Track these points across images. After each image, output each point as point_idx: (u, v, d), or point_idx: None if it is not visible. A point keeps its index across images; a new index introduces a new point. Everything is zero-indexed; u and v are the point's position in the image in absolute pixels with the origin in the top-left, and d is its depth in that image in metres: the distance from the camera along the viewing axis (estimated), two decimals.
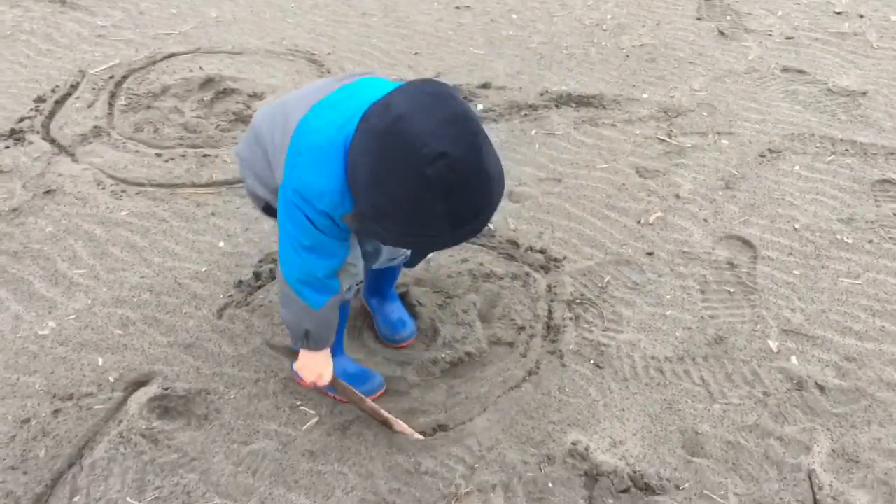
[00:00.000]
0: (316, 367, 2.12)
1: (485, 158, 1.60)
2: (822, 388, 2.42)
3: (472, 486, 2.13)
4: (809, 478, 2.15)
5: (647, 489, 2.12)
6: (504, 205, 3.18)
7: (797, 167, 3.45)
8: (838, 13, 4.91)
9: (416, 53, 4.45)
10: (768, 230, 3.07)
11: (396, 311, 2.58)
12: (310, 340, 2.05)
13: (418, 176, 1.53)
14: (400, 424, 2.24)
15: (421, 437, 2.25)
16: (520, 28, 4.79)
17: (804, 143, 3.62)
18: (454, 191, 1.56)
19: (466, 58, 4.41)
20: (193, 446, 2.22)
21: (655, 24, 4.81)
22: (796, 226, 3.10)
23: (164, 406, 2.34)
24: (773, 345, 2.57)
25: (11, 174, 3.33)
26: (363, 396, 2.24)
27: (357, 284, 2.13)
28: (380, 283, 2.56)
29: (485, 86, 4.07)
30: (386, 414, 2.24)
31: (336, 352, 2.34)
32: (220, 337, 2.58)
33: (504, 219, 3.12)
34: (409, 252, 2.33)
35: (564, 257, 2.93)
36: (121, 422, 2.29)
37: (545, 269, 2.87)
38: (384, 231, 1.66)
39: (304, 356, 2.11)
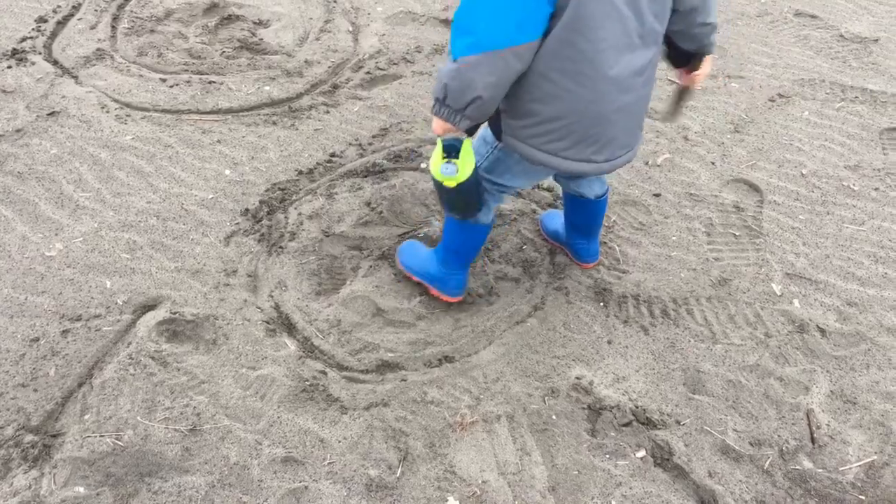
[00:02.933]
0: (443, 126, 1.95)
1: None
2: (823, 331, 2.45)
3: (477, 416, 2.16)
4: (807, 417, 2.20)
5: (649, 423, 2.16)
6: None
7: (806, 113, 3.44)
8: None
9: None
10: (775, 175, 3.07)
11: (595, 242, 2.64)
12: (449, 91, 1.84)
13: None
14: None
15: None
16: None
17: (814, 89, 3.59)
18: None
19: None
20: (202, 370, 2.25)
21: None
22: (803, 171, 3.10)
23: (173, 330, 2.35)
24: (776, 288, 2.59)
25: (14, 94, 3.28)
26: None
27: (489, 220, 2.26)
28: (594, 218, 2.52)
29: None
30: None
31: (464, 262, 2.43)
32: (226, 264, 2.58)
33: None
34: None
35: None
36: (130, 343, 2.30)
37: (552, 207, 2.87)
38: None
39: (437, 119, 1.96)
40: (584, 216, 2.49)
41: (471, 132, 2.00)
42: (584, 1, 1.72)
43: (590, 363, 2.33)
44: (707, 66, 2.17)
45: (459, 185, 2.00)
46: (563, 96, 1.85)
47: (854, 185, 3.04)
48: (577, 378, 2.28)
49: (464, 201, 2.09)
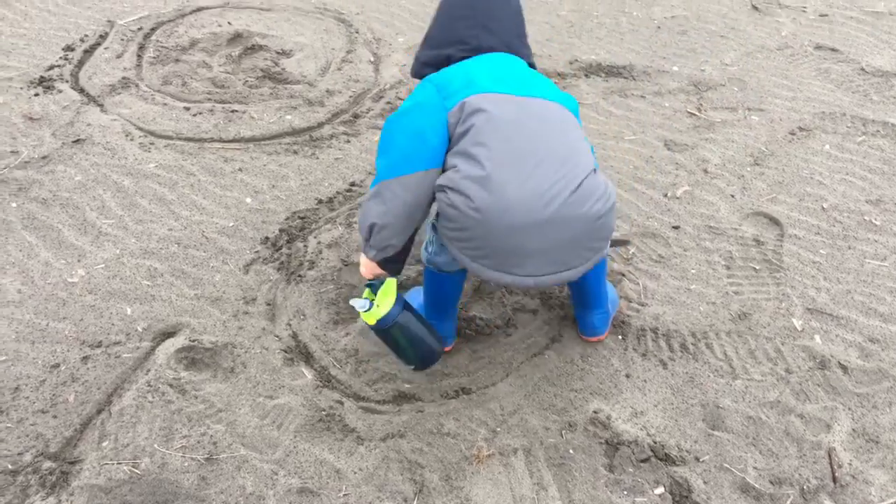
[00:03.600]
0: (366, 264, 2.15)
1: None
2: (844, 368, 2.42)
3: (493, 448, 2.15)
4: (829, 455, 2.17)
5: (667, 459, 2.14)
6: None
7: (827, 146, 3.43)
8: None
9: None
10: (796, 208, 3.06)
11: (602, 315, 2.48)
12: (372, 237, 2.02)
13: None
14: None
15: None
16: None
17: (835, 123, 3.58)
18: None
19: None
20: (220, 398, 2.25)
21: None
22: (824, 205, 3.08)
23: (192, 357, 2.37)
24: (797, 323, 2.57)
25: (41, 122, 3.34)
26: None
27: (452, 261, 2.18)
28: (592, 286, 2.40)
29: None
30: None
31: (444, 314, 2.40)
32: (245, 292, 2.60)
33: None
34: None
35: None
36: (149, 371, 2.32)
37: None
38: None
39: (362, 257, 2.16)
40: (574, 286, 2.39)
41: (396, 271, 2.12)
42: (478, 126, 1.90)
43: (608, 397, 2.31)
44: None
45: (388, 328, 2.08)
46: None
47: (876, 219, 3.02)
48: (595, 412, 2.26)
49: (410, 348, 2.14)
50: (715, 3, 4.67)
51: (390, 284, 2.10)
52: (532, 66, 2.17)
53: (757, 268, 2.79)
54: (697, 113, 3.62)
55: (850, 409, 2.30)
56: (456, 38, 2.10)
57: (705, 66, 4.00)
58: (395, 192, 1.94)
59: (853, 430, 2.25)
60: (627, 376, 2.38)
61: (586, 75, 3.88)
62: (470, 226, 1.88)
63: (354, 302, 2.08)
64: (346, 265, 2.71)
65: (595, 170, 1.96)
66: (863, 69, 4.01)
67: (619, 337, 2.50)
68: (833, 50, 4.18)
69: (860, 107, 3.70)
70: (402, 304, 2.11)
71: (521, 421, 2.23)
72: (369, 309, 2.06)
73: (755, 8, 4.61)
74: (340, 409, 2.24)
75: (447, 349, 2.44)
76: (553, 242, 1.89)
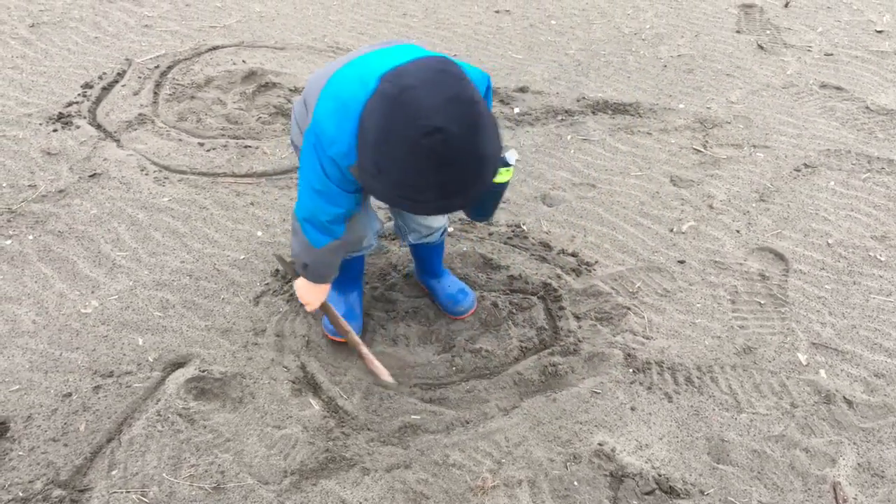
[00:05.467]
0: (307, 294, 2.29)
1: (481, 139, 1.68)
2: (850, 403, 2.43)
3: (498, 480, 2.16)
4: (834, 490, 2.17)
5: (672, 493, 2.15)
6: (537, 207, 3.22)
7: (832, 183, 3.46)
8: (879, 32, 4.89)
9: (454, 55, 4.50)
10: (801, 244, 3.08)
11: (453, 284, 2.72)
12: (307, 273, 2.21)
13: (413, 145, 1.63)
14: (376, 365, 2.38)
15: (392, 381, 2.39)
16: (558, 34, 4.82)
17: (840, 160, 3.62)
18: (445, 164, 1.65)
19: (505, 61, 4.45)
20: (228, 427, 2.28)
21: (694, 35, 4.83)
22: (829, 241, 3.10)
23: (201, 388, 2.40)
24: (802, 357, 2.58)
25: (59, 157, 3.42)
26: (349, 329, 2.39)
27: (370, 246, 2.44)
28: (428, 262, 2.69)
29: (522, 90, 4.11)
30: (366, 351, 2.39)
31: (345, 289, 2.61)
32: (255, 324, 2.64)
33: (537, 221, 3.16)
34: (441, 230, 2.52)
35: (596, 262, 2.96)
36: (159, 400, 2.35)
37: (577, 272, 2.90)
38: (380, 187, 1.77)
39: (302, 282, 2.28)
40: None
41: None
42: None
43: (613, 429, 2.33)
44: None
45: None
46: None
47: (881, 255, 3.04)
48: (600, 444, 2.27)
49: None
50: (721, 42, 4.74)
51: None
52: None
53: (762, 302, 2.80)
54: (703, 149, 3.67)
55: (855, 443, 2.31)
56: None
57: (711, 104, 4.05)
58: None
59: (858, 464, 2.25)
60: (633, 409, 2.39)
61: (594, 112, 3.94)
62: None
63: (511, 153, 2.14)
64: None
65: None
66: (867, 107, 4.05)
67: (625, 369, 2.51)
68: (838, 88, 4.23)
69: (865, 144, 3.74)
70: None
71: (526, 452, 2.25)
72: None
73: (761, 47, 4.67)
74: (347, 439, 2.26)
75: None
76: None
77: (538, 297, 2.78)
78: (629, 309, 2.75)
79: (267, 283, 2.80)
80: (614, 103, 4.03)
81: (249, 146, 3.56)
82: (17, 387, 2.39)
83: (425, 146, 1.62)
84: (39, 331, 2.58)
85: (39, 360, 2.48)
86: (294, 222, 2.13)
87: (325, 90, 1.94)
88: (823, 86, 4.26)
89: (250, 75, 4.12)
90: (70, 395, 2.37)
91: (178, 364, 2.48)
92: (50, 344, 2.54)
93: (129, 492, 2.09)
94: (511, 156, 1.97)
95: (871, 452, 2.28)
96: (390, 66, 1.76)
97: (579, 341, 2.61)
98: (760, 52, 4.63)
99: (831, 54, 4.60)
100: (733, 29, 4.92)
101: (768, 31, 4.89)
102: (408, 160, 1.66)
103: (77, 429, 2.26)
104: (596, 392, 2.44)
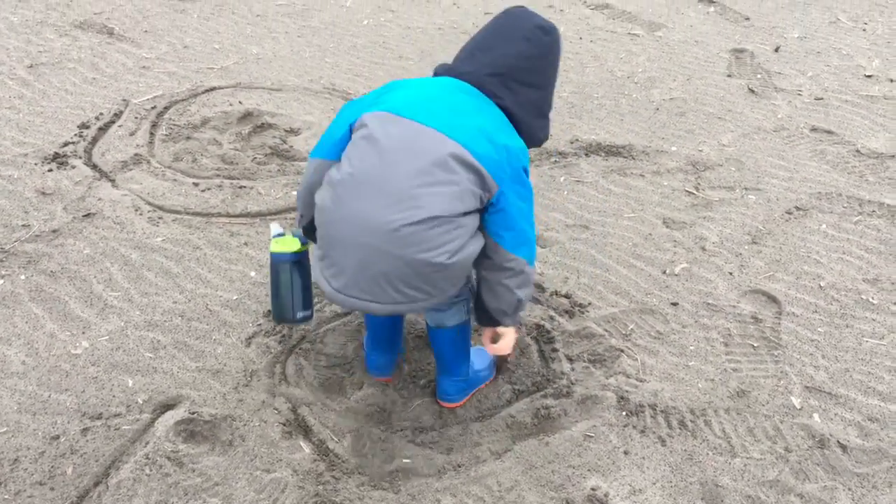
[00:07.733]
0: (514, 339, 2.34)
1: None
2: (844, 447, 2.41)
3: None
4: None
5: None
6: None
7: (824, 226, 3.48)
8: (868, 76, 4.96)
9: None
10: (793, 286, 3.09)
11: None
12: (523, 309, 2.26)
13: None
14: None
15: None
16: None
17: (831, 203, 3.64)
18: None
19: None
20: (217, 471, 2.26)
21: (686, 79, 4.89)
22: (822, 283, 3.11)
23: (190, 430, 2.38)
24: (795, 401, 2.57)
25: (53, 196, 3.43)
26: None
27: None
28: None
29: None
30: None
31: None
32: (247, 365, 2.62)
33: None
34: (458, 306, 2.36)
35: (589, 303, 2.96)
36: (147, 443, 2.33)
37: (570, 314, 2.90)
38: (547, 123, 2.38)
39: (512, 331, 2.30)
40: (433, 347, 2.49)
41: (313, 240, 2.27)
42: (354, 139, 2.04)
43: (605, 474, 2.30)
44: (509, 339, 2.30)
45: (279, 263, 2.31)
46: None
47: (873, 298, 3.05)
48: (593, 489, 2.25)
49: (282, 294, 2.36)
50: (712, 86, 4.80)
51: (298, 243, 2.32)
52: (505, 108, 2.11)
53: (755, 345, 2.80)
54: (695, 192, 3.69)
55: (849, 488, 2.29)
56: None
57: (703, 147, 4.09)
58: (308, 170, 2.20)
59: None
60: (626, 453, 2.37)
61: (587, 154, 3.98)
62: (317, 221, 2.10)
63: (273, 226, 2.39)
64: (348, 341, 2.73)
65: (450, 219, 1.93)
66: (858, 151, 4.09)
67: (618, 413, 2.50)
68: (828, 132, 4.28)
69: (856, 187, 3.77)
70: (303, 256, 2.33)
71: (519, 497, 2.22)
72: (280, 236, 2.30)
73: (752, 91, 4.73)
74: (337, 483, 2.24)
75: (386, 380, 2.57)
76: (361, 268, 1.98)
77: (531, 339, 2.78)
78: (622, 351, 2.74)
79: (259, 324, 2.80)
80: (607, 145, 4.06)
81: (244, 186, 3.58)
82: (5, 429, 2.36)
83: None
84: (29, 372, 2.56)
85: (28, 401, 2.46)
86: (526, 276, 2.14)
87: (463, 141, 1.95)
88: (814, 129, 4.31)
89: (246, 116, 4.15)
90: (58, 437, 2.34)
91: (168, 406, 2.46)
92: (39, 385, 2.52)
93: None
94: (274, 228, 2.31)
95: (865, 498, 2.26)
96: (428, 81, 2.12)
97: (572, 384, 2.60)
98: (751, 96, 4.68)
99: (821, 98, 4.66)
100: (724, 73, 4.99)
101: (759, 76, 4.95)
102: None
103: (64, 472, 2.24)
104: (589, 435, 2.42)
